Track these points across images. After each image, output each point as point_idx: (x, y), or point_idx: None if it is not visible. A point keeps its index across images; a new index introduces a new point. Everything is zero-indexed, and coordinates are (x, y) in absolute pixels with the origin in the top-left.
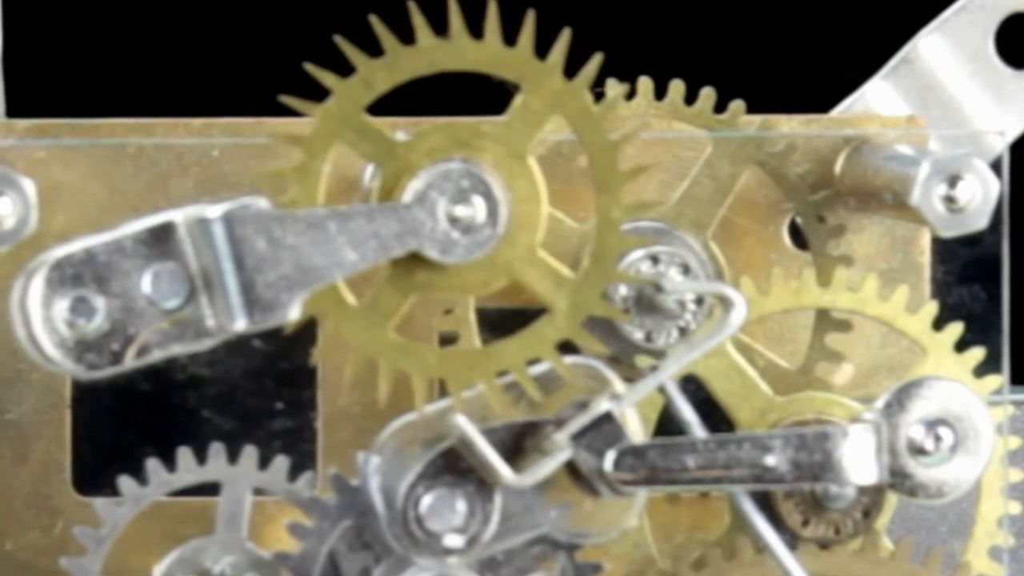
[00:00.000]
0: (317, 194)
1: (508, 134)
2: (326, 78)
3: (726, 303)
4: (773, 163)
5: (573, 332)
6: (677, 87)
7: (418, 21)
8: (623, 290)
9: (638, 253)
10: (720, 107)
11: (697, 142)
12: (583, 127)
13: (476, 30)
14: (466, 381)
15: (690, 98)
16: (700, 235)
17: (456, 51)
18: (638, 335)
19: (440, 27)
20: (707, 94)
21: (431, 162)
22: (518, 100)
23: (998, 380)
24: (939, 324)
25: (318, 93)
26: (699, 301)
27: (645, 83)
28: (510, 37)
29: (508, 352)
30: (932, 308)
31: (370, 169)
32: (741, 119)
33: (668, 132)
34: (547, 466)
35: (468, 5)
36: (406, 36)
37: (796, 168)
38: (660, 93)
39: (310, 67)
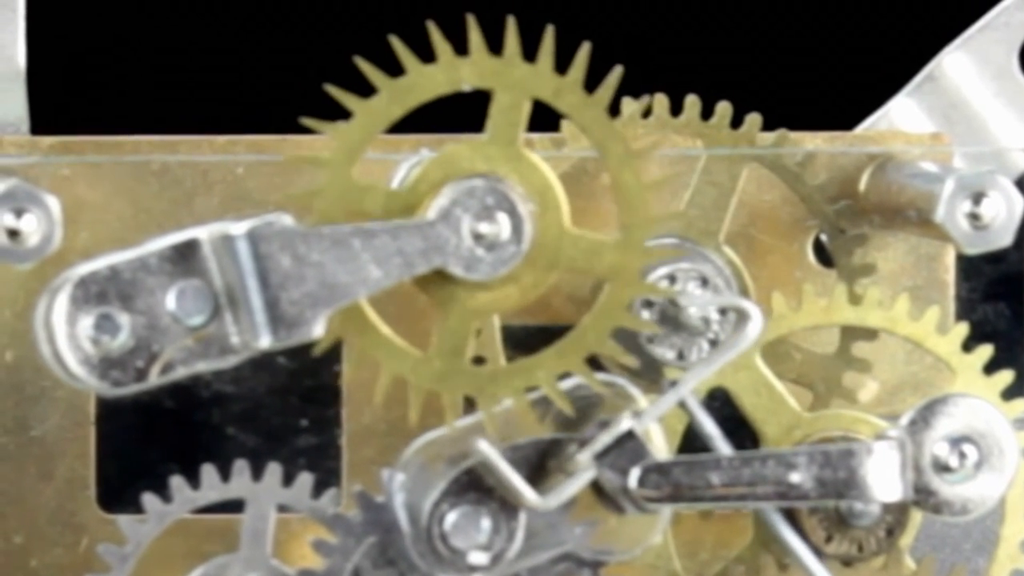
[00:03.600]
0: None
1: (574, 247)
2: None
3: (742, 316)
4: (771, 159)
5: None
6: (693, 103)
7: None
8: (644, 314)
9: (657, 273)
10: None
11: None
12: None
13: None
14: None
15: (710, 114)
16: (712, 242)
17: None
18: (670, 355)
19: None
20: (723, 109)
21: (517, 180)
22: (612, 237)
23: None
24: (967, 344)
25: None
26: (723, 312)
27: (661, 100)
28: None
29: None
30: (962, 329)
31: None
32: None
33: (693, 149)
34: (571, 487)
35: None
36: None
37: (816, 182)
38: (677, 110)
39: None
